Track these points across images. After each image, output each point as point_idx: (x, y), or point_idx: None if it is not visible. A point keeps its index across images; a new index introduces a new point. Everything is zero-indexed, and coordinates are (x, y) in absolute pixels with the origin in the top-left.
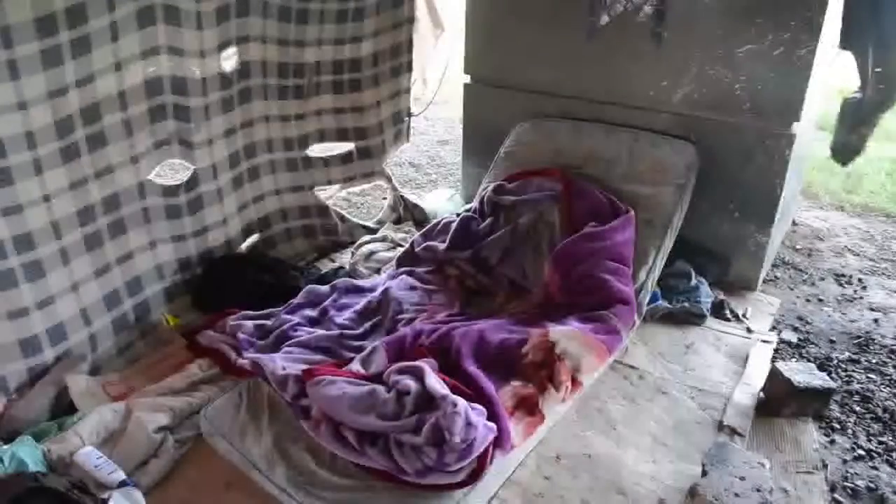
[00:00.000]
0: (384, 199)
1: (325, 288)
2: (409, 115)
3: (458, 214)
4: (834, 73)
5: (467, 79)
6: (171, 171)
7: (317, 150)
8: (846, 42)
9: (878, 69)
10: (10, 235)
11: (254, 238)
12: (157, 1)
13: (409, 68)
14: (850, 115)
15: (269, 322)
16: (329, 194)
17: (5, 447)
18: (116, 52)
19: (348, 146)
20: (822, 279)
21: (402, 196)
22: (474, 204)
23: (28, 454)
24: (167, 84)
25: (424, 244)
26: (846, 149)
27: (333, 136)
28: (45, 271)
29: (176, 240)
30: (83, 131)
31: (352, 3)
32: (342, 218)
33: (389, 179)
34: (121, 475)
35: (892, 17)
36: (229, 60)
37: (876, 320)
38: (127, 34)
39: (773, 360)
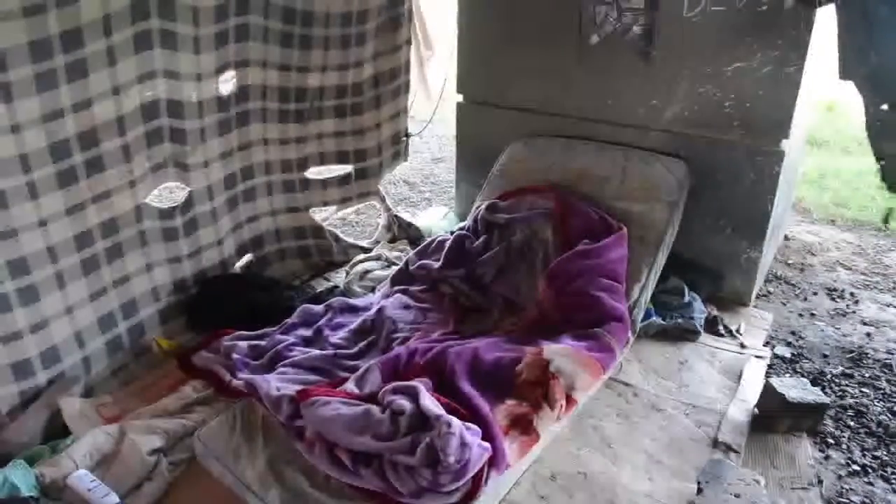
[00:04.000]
0: (379, 218)
1: (319, 307)
2: (408, 135)
3: (451, 233)
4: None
5: (460, 98)
6: (169, 193)
7: (314, 171)
8: (844, 73)
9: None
10: (4, 260)
11: (248, 257)
12: (155, 26)
13: (407, 89)
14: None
15: (263, 342)
16: (325, 215)
17: None
18: (114, 77)
19: (347, 168)
20: (815, 294)
21: (395, 215)
22: (468, 222)
23: (21, 478)
24: (163, 107)
25: (419, 263)
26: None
27: (333, 159)
28: (40, 295)
29: (172, 262)
30: (81, 156)
31: (354, 29)
32: (336, 238)
33: (383, 199)
34: (114, 498)
35: (888, 49)
36: (227, 84)
37: (868, 334)
38: (124, 59)
39: (767, 375)
